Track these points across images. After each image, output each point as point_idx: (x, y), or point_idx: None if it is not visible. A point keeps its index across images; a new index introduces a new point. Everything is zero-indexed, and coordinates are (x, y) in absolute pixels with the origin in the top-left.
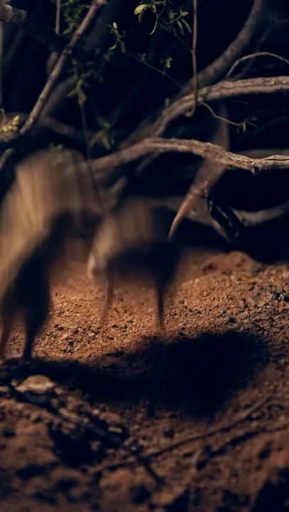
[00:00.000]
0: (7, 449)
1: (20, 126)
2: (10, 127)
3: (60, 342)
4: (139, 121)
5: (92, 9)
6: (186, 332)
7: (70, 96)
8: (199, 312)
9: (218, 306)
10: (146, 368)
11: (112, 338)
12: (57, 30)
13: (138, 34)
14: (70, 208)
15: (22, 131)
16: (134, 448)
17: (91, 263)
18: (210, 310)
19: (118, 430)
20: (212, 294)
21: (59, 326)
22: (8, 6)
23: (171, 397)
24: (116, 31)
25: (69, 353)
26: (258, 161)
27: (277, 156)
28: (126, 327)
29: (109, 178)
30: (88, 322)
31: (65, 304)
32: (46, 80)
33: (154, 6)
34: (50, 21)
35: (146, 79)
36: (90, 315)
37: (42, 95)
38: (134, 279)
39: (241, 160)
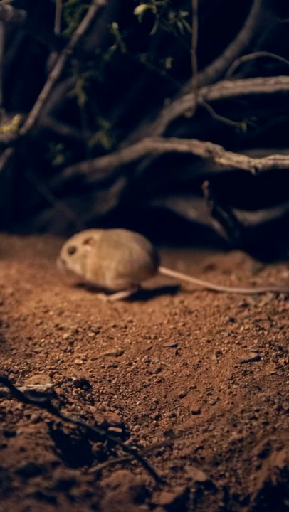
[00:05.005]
0: (8, 449)
1: (20, 126)
2: (10, 127)
3: (60, 342)
4: (139, 121)
5: (92, 9)
6: (186, 332)
7: (70, 96)
8: (199, 312)
9: (218, 306)
10: (146, 368)
11: (112, 338)
12: (57, 30)
13: (138, 34)
14: None
15: (22, 131)
16: (134, 448)
17: None
18: (210, 310)
19: (118, 430)
20: (212, 294)
21: (59, 326)
22: (8, 6)
23: (172, 396)
24: (116, 31)
25: (69, 353)
26: (257, 161)
27: (277, 156)
28: (126, 327)
29: (109, 178)
30: (88, 322)
31: (65, 303)
32: (46, 80)
33: (154, 6)
34: (50, 21)
35: (146, 79)
36: (90, 315)
37: (42, 95)
38: None
39: (241, 160)
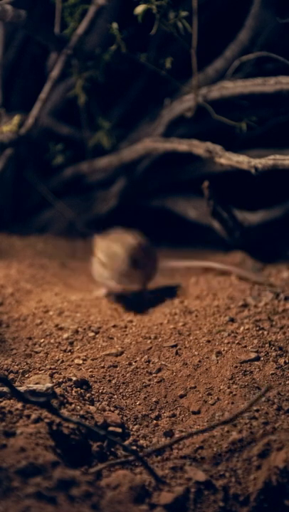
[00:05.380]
0: (7, 449)
1: (20, 126)
2: (10, 127)
3: (60, 342)
4: (139, 121)
5: (92, 9)
6: (186, 332)
7: (70, 96)
8: (199, 312)
9: (218, 306)
10: (146, 368)
11: (112, 338)
12: (57, 30)
13: (138, 34)
14: None
15: (22, 131)
16: (134, 448)
17: None
18: (210, 310)
19: (118, 430)
20: (212, 294)
21: (59, 326)
22: (8, 6)
23: (172, 396)
24: (116, 31)
25: (69, 353)
26: (258, 161)
27: (277, 156)
28: (126, 327)
29: (109, 178)
30: (88, 322)
31: (65, 303)
32: (46, 80)
33: (154, 6)
34: (50, 21)
35: (146, 79)
36: (90, 315)
37: (42, 95)
38: None
39: (241, 160)
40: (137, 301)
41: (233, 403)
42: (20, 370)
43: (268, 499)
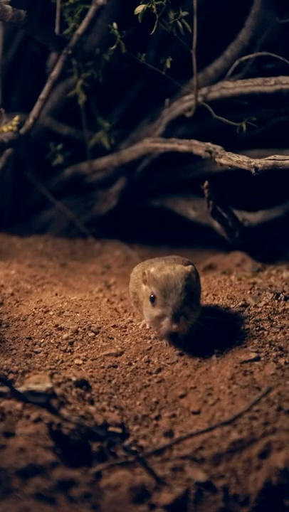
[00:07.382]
0: (7, 449)
1: (20, 126)
2: (10, 127)
3: (60, 342)
4: (139, 121)
5: (92, 9)
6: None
7: (70, 96)
8: None
9: (218, 306)
10: (146, 368)
11: (112, 338)
12: (57, 30)
13: (138, 34)
14: None
15: (22, 131)
16: (134, 448)
17: None
18: (210, 310)
19: (118, 430)
20: (212, 294)
21: (59, 326)
22: (8, 6)
23: (172, 396)
24: (116, 31)
25: (69, 353)
26: (258, 161)
27: (277, 156)
28: (126, 327)
29: (109, 178)
30: (88, 322)
31: (65, 303)
32: (46, 80)
33: (154, 6)
34: (50, 21)
35: (146, 79)
36: (90, 315)
37: (42, 95)
38: None
39: (241, 160)
40: None
41: (233, 403)
42: (20, 370)
43: (268, 500)
